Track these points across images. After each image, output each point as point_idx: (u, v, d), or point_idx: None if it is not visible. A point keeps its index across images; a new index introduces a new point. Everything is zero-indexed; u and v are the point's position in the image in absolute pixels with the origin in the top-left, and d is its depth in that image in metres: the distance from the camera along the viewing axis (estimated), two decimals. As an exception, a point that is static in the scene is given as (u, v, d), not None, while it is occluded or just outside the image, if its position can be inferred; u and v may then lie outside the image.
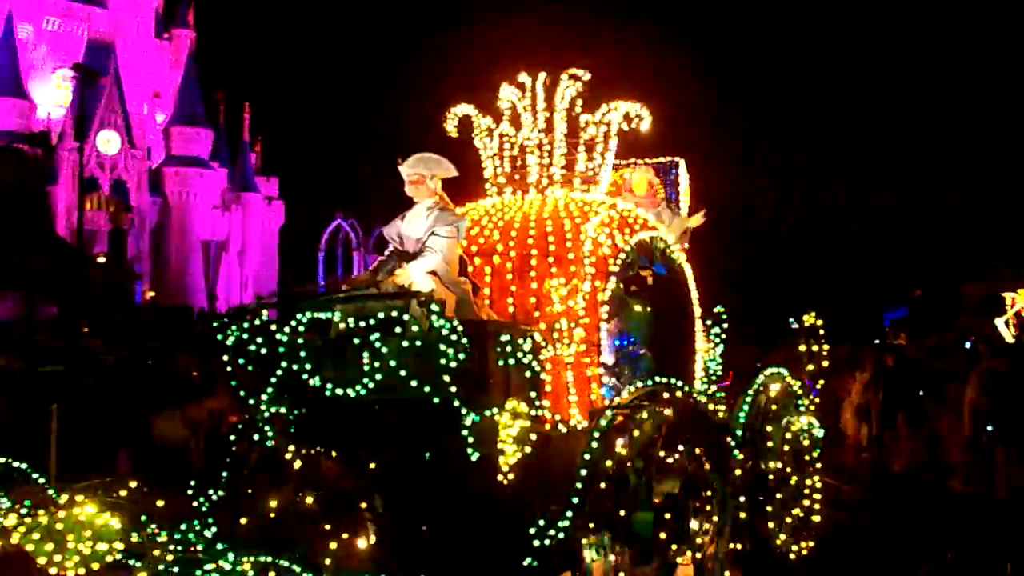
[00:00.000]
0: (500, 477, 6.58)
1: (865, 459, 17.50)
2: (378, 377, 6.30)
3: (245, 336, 6.55)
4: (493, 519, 6.66)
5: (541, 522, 6.59)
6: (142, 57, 79.79)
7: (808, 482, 9.04)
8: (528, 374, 6.86)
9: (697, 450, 7.67)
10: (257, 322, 6.58)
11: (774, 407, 8.70)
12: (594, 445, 6.84)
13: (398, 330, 6.32)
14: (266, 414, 6.59)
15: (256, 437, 6.64)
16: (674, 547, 7.35)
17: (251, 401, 6.59)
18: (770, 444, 8.54)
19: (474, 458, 6.46)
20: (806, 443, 9.02)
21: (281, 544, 6.25)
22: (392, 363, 6.28)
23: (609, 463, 6.92)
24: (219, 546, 6.08)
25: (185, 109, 76.26)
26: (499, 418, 6.55)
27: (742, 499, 8.03)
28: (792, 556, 8.74)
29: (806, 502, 8.96)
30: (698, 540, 7.64)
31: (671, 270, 8.78)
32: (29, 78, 73.03)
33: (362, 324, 6.40)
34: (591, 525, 6.82)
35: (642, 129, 8.91)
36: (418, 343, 6.31)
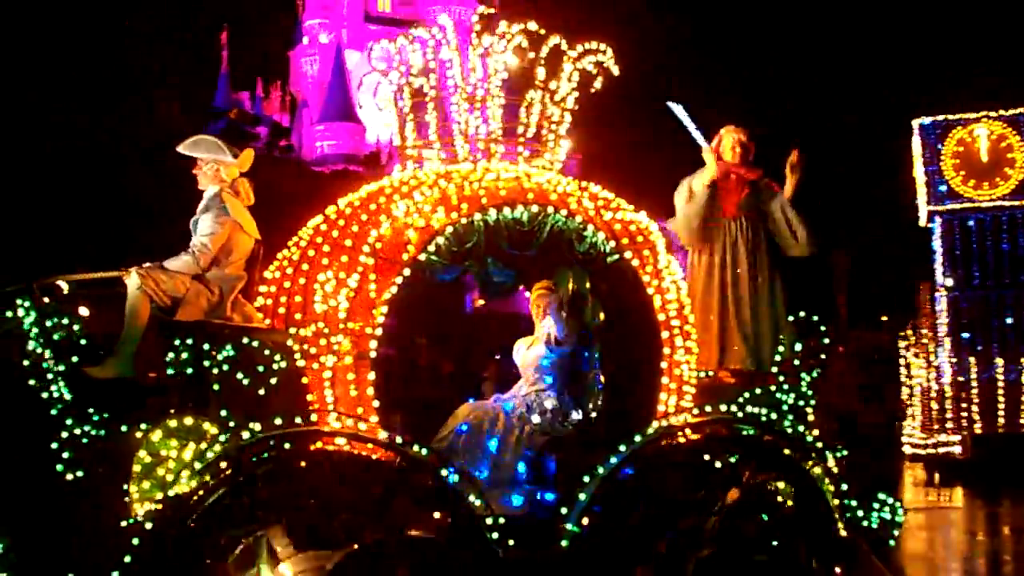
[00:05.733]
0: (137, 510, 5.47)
1: None
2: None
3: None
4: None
5: None
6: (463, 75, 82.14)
7: None
8: (218, 387, 5.93)
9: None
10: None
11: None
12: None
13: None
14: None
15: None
16: None
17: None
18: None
19: (68, 478, 5.63)
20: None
21: None
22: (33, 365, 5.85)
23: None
24: None
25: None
26: (153, 436, 5.66)
27: None
28: None
29: None
30: None
31: (594, 262, 6.85)
32: (358, 103, 76.71)
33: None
34: None
35: (607, 77, 7.28)
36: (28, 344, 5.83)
